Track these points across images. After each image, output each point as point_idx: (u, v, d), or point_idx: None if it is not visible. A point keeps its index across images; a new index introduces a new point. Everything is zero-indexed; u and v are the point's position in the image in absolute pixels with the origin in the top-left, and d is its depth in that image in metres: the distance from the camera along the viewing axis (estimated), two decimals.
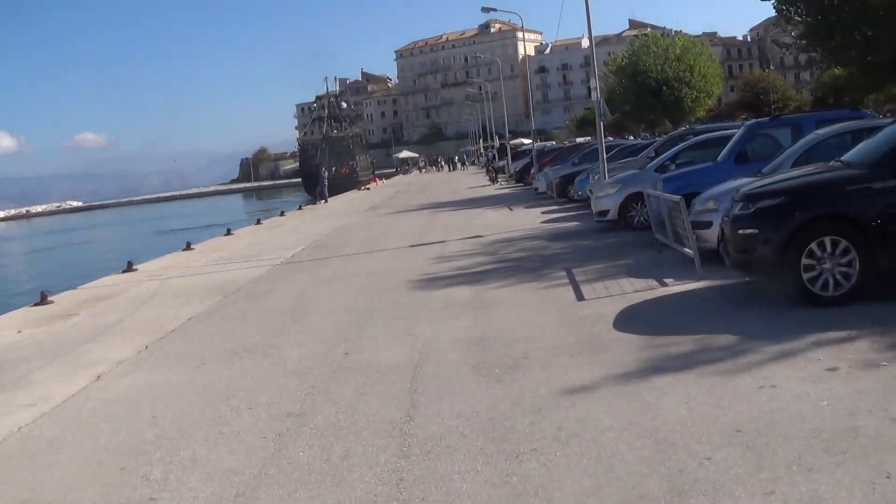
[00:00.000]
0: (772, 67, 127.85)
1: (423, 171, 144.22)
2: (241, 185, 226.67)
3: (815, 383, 8.64)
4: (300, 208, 60.77)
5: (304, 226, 41.64)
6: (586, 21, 28.90)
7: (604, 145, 29.24)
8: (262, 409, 9.67)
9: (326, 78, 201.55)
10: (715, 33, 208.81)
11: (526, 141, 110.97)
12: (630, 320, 12.51)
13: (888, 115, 37.12)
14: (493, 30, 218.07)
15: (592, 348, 10.96)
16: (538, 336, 11.91)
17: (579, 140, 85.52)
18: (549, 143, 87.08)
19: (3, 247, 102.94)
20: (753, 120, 24.93)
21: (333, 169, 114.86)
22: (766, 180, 13.98)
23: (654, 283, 15.22)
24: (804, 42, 40.57)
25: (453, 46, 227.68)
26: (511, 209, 38.06)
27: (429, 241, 27.17)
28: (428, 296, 16.51)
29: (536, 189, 44.94)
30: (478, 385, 9.69)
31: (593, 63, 31.23)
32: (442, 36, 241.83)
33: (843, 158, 13.35)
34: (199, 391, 10.86)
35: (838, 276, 11.90)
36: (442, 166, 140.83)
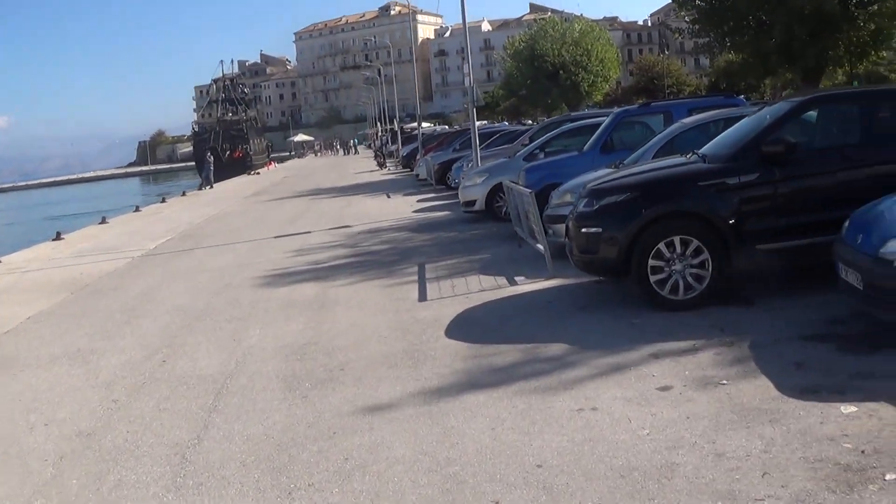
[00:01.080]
0: (666, 52, 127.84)
1: (319, 154, 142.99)
2: (139, 169, 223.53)
3: (641, 406, 7.80)
4: (184, 194, 59.10)
5: (180, 214, 40.48)
6: (460, 7, 27.79)
7: (477, 132, 28.15)
8: (56, 427, 8.98)
9: (222, 61, 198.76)
10: (616, 18, 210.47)
11: (425, 124, 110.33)
12: (465, 325, 11.75)
13: (781, 100, 36.65)
14: (393, 12, 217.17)
15: (415, 358, 10.25)
16: (364, 343, 11.31)
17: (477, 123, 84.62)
18: (439, 128, 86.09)
19: None
20: (622, 107, 24.07)
21: (227, 153, 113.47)
22: (613, 174, 13.09)
23: (503, 281, 14.44)
24: (697, 27, 40.12)
25: (353, 29, 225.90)
26: (389, 197, 37.30)
27: (295, 232, 26.43)
28: (270, 294, 15.74)
29: (417, 176, 43.91)
30: (281, 402, 9.00)
31: (467, 50, 30.42)
32: (342, 18, 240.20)
33: (700, 151, 12.40)
34: (4, 403, 10.17)
35: (689, 279, 11.19)
36: (337, 150, 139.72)
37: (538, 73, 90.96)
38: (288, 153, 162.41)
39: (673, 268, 10.99)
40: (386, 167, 67.78)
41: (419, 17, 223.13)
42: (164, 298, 16.52)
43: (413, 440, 7.64)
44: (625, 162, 15.59)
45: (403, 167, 61.65)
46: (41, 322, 15.21)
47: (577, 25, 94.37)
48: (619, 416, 7.61)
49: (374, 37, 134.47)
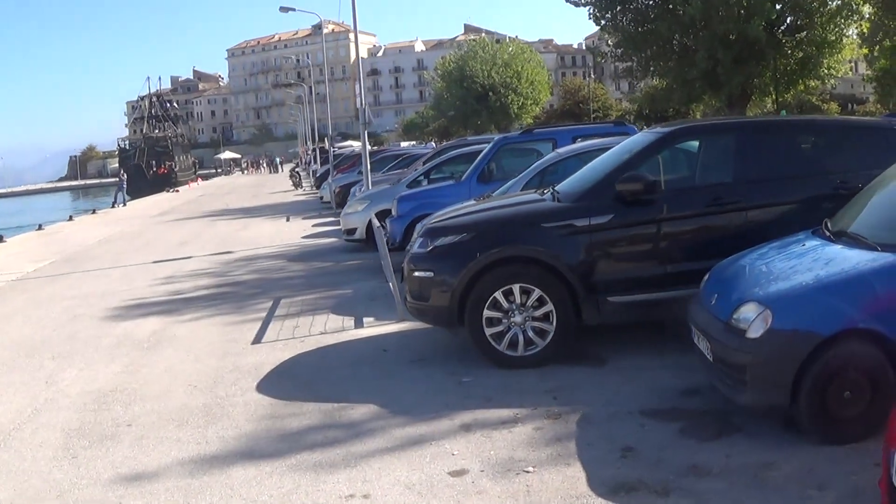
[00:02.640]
0: (592, 76, 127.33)
1: (246, 172, 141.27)
2: (69, 184, 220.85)
3: (420, 496, 6.73)
4: (94, 212, 57.65)
5: (77, 233, 39.16)
6: (353, 25, 26.73)
7: (367, 155, 27.12)
8: None
9: (149, 77, 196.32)
10: (551, 41, 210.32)
11: (355, 143, 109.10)
12: (283, 376, 10.71)
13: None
14: (326, 30, 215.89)
15: (210, 416, 9.30)
16: (170, 393, 10.34)
17: (403, 144, 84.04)
18: (355, 148, 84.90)
19: None
20: (502, 135, 22.97)
21: (152, 170, 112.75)
22: (450, 212, 11.89)
23: (350, 322, 13.45)
24: (620, 51, 39.38)
25: (286, 46, 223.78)
26: (288, 220, 36.05)
27: (176, 257, 25.42)
28: (111, 329, 14.81)
29: (321, 198, 42.66)
30: (49, 462, 8.27)
31: (359, 70, 29.58)
32: (275, 35, 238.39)
33: (558, 187, 11.21)
34: None
35: (531, 333, 9.94)
36: (263, 168, 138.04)
37: (467, 95, 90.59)
38: (215, 170, 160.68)
39: (512, 320, 9.82)
40: (302, 187, 66.59)
41: (352, 36, 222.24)
42: (6, 330, 15.63)
43: None
44: (492, 194, 14.42)
45: (317, 188, 60.39)
46: None
47: (507, 47, 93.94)
48: None
49: (307, 54, 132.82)
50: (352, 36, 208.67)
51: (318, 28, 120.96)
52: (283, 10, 53.93)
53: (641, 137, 11.14)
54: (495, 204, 11.83)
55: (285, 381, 10.42)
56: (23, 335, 14.98)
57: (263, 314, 14.82)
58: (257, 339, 12.92)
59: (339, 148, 73.52)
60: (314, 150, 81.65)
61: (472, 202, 13.25)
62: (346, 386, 9.93)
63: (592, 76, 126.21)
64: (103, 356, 12.77)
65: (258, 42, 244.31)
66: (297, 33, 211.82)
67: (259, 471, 7.52)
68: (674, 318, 9.17)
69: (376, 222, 15.15)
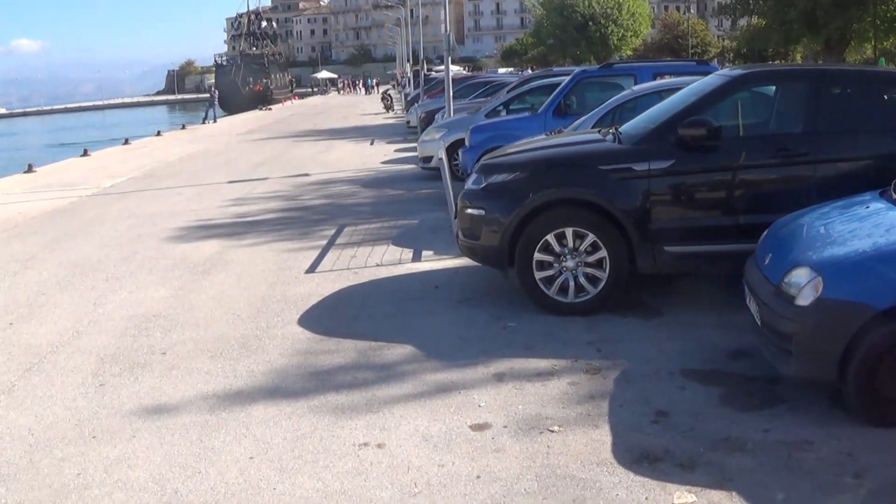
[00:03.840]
0: (692, 12, 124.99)
1: (342, 92, 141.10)
2: (165, 98, 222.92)
3: (436, 450, 6.40)
4: (183, 127, 57.80)
5: (162, 149, 39.44)
6: None
7: (450, 81, 26.52)
8: None
9: None
10: None
11: (455, 68, 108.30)
12: (328, 309, 10.49)
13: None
14: None
15: (245, 348, 9.11)
16: (212, 321, 10.20)
17: (501, 71, 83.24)
18: (453, 72, 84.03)
19: None
20: (581, 67, 22.39)
21: (248, 86, 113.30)
22: (508, 149, 11.43)
23: (409, 255, 13.15)
24: None
25: None
26: (372, 143, 35.89)
27: (252, 178, 25.32)
28: (170, 250, 14.75)
29: (408, 122, 42.22)
30: (75, 389, 8.16)
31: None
32: None
33: (622, 127, 10.68)
34: None
35: (583, 279, 9.43)
36: (360, 89, 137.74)
37: (567, 23, 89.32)
38: (311, 89, 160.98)
39: (564, 264, 9.35)
40: (393, 110, 66.10)
41: None
42: (70, 247, 15.61)
43: (160, 461, 6.48)
44: (564, 130, 13.96)
45: (406, 112, 60.01)
46: None
47: None
48: (400, 461, 6.23)
49: None
50: None
51: None
52: None
53: (710, 80, 10.52)
54: (555, 142, 11.38)
55: (329, 315, 10.18)
56: (82, 254, 14.91)
57: (324, 242, 14.60)
58: (311, 269, 12.69)
59: (435, 72, 72.86)
60: (412, 72, 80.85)
61: (542, 137, 12.84)
62: (388, 323, 9.65)
63: (691, 11, 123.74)
64: (156, 279, 12.66)
65: None
66: None
67: (279, 410, 7.29)
68: (733, 272, 8.65)
69: (440, 154, 14.72)
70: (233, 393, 7.83)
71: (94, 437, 7.02)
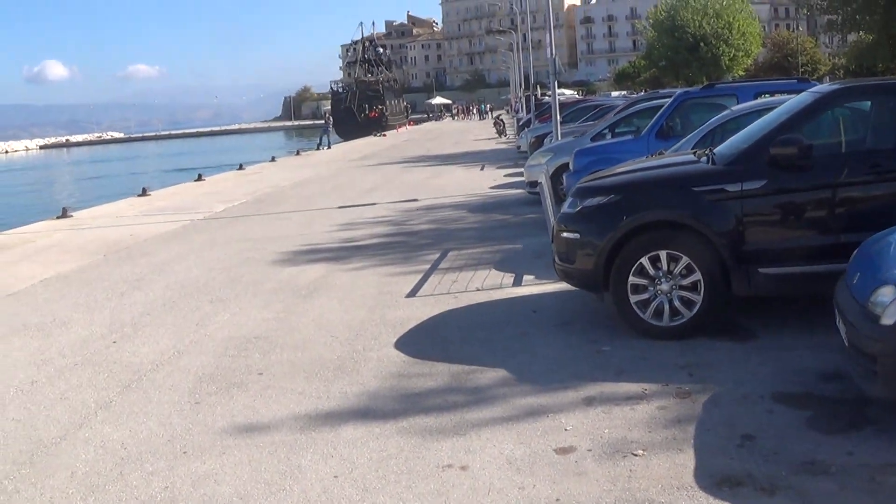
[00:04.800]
0: (800, 29, 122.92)
1: (456, 118, 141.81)
2: (282, 124, 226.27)
3: (519, 473, 6.39)
4: (297, 153, 58.75)
5: (274, 175, 40.19)
6: None
7: (557, 105, 26.58)
8: None
9: (362, 23, 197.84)
10: None
11: (568, 92, 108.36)
12: (425, 332, 10.55)
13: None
14: None
15: (340, 370, 9.25)
16: (310, 343, 10.39)
17: (614, 94, 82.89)
18: (566, 95, 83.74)
19: (5, 176, 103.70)
20: (683, 89, 22.21)
21: (363, 113, 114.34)
22: (605, 172, 11.42)
23: (509, 280, 13.13)
24: (825, 3, 37.90)
25: None
26: (482, 169, 36.01)
27: (361, 203, 25.67)
28: (276, 273, 15.07)
29: (518, 147, 42.27)
30: (171, 406, 8.45)
31: (548, 18, 28.77)
32: None
33: (716, 148, 10.60)
34: None
35: (677, 302, 9.35)
36: (473, 114, 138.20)
37: (679, 45, 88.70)
38: (427, 115, 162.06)
39: (658, 287, 9.21)
40: (505, 135, 66.22)
41: None
42: (178, 270, 16.10)
43: (247, 478, 6.62)
44: (664, 152, 13.91)
45: (518, 136, 60.06)
46: (49, 286, 15.31)
47: None
48: (482, 483, 6.26)
49: (520, 1, 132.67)
50: None
51: None
52: None
53: (802, 98, 10.37)
54: (650, 164, 11.31)
55: (425, 339, 10.25)
56: (190, 276, 15.31)
57: (427, 266, 14.68)
58: (412, 293, 12.78)
59: (547, 96, 72.64)
60: (524, 97, 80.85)
61: (642, 159, 12.82)
62: (483, 348, 9.67)
63: (800, 29, 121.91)
64: (259, 302, 12.90)
65: None
66: None
67: (367, 431, 7.37)
68: (828, 293, 8.53)
69: (541, 178, 14.75)
70: (324, 413, 7.93)
71: (184, 453, 7.20)
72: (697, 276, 9.25)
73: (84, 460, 7.19)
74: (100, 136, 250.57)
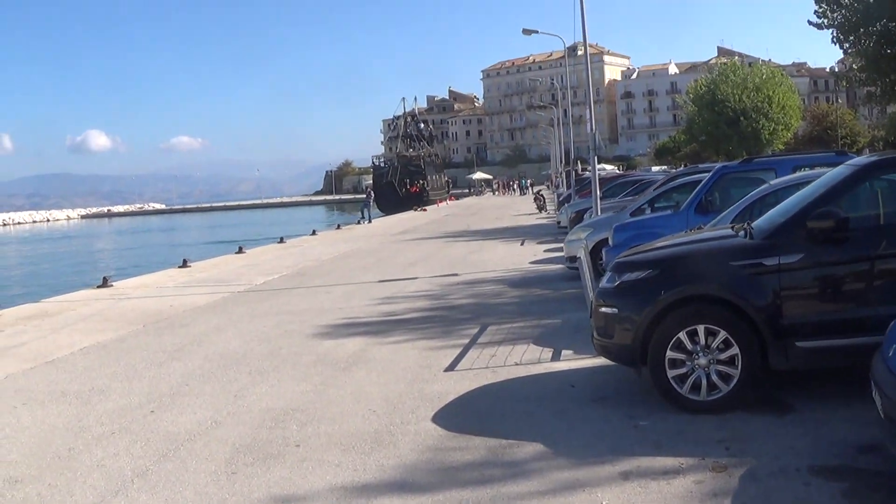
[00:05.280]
0: (839, 102, 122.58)
1: (497, 193, 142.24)
2: (323, 198, 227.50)
3: None
4: (338, 227, 58.91)
5: (316, 248, 40.53)
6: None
7: (597, 181, 26.79)
8: None
9: (404, 98, 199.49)
10: (804, 64, 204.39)
11: (608, 167, 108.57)
12: (462, 407, 10.55)
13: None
14: (580, 52, 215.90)
15: (377, 443, 9.27)
16: (347, 417, 10.41)
17: (654, 169, 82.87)
18: (607, 171, 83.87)
19: (47, 245, 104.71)
20: (722, 163, 22.19)
21: (405, 188, 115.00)
22: (644, 247, 11.44)
23: (548, 355, 13.13)
24: (864, 75, 37.88)
25: (540, 68, 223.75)
26: (522, 244, 36.09)
27: (401, 277, 25.83)
28: (314, 346, 15.12)
29: (558, 223, 42.32)
30: (207, 477, 8.51)
31: (588, 95, 28.97)
32: (529, 57, 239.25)
33: (754, 222, 10.63)
34: None
35: (715, 377, 9.27)
36: (514, 189, 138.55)
37: (719, 119, 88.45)
38: (468, 190, 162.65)
39: (696, 362, 9.23)
40: (546, 210, 66.35)
41: (606, 59, 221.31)
42: (216, 341, 16.23)
43: None
44: (703, 226, 13.92)
45: (558, 211, 60.14)
46: (88, 355, 15.50)
47: (759, 71, 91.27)
48: None
49: (561, 76, 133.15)
50: (606, 58, 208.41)
51: (571, 50, 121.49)
52: (526, 32, 53.81)
53: (839, 171, 10.37)
54: (688, 239, 11.31)
55: (463, 413, 10.26)
56: (228, 348, 15.43)
57: (467, 340, 14.69)
58: (451, 367, 12.79)
59: (587, 170, 72.77)
60: (564, 172, 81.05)
61: (681, 234, 12.84)
62: (520, 422, 9.66)
63: (839, 101, 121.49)
64: (298, 374, 12.98)
65: (513, 63, 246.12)
66: (551, 54, 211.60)
67: None
68: (866, 366, 8.51)
69: (580, 253, 14.78)
70: (360, 485, 7.94)
71: None
72: (735, 350, 9.24)
73: None
74: (141, 207, 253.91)
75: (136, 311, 20.89)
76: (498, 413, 10.14)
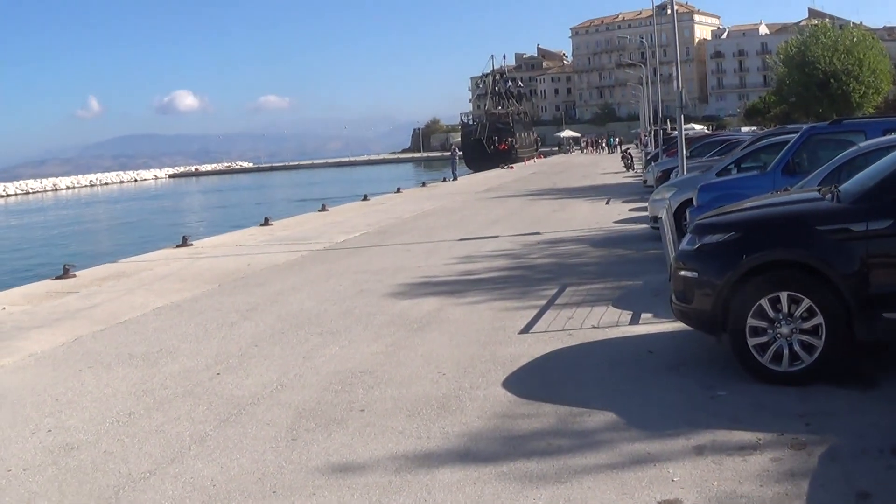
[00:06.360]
0: None
1: (585, 151, 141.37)
2: (411, 155, 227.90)
3: None
4: (423, 185, 59.15)
5: (399, 206, 40.47)
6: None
7: (683, 139, 26.16)
8: (45, 435, 8.99)
9: (493, 56, 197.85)
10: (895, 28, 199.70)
11: (698, 127, 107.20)
12: (535, 371, 10.21)
13: None
14: (669, 11, 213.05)
15: (444, 408, 8.98)
16: (416, 380, 10.13)
17: (744, 129, 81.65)
18: (696, 130, 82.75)
19: (133, 204, 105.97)
20: (810, 124, 21.50)
21: (493, 145, 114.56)
22: (728, 208, 10.99)
23: (627, 318, 12.72)
24: None
25: (629, 26, 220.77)
26: (608, 202, 35.60)
27: (483, 236, 25.56)
28: (390, 306, 14.88)
29: (644, 181, 41.74)
30: (266, 443, 8.28)
31: (676, 54, 28.29)
32: (618, 15, 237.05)
33: (842, 186, 10.14)
34: (29, 402, 10.27)
35: (797, 347, 8.79)
36: (603, 148, 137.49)
37: (809, 81, 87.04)
38: (557, 147, 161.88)
39: (778, 331, 8.78)
40: (633, 169, 65.57)
41: (696, 18, 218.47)
42: (291, 301, 16.06)
43: None
44: (790, 188, 13.44)
45: (645, 170, 59.41)
46: (161, 315, 15.41)
47: (850, 33, 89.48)
48: None
49: (651, 35, 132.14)
50: (696, 17, 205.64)
51: (660, 8, 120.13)
52: None
53: None
54: (773, 201, 10.83)
55: (535, 378, 9.92)
56: (302, 308, 15.24)
57: (542, 302, 14.35)
58: (526, 329, 12.46)
59: (675, 130, 71.60)
60: (653, 131, 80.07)
61: (767, 196, 12.37)
62: (593, 389, 9.31)
63: None
64: (370, 335, 12.74)
65: (602, 21, 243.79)
66: (640, 13, 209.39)
67: (465, 475, 7.08)
68: None
69: (662, 213, 14.36)
70: (422, 454, 7.68)
71: (273, 492, 7.02)
72: (819, 319, 8.77)
73: (170, 497, 7.05)
74: (229, 166, 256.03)
75: (212, 271, 20.90)
76: (571, 378, 9.81)
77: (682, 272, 9.84)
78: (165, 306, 16.19)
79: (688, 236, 10.25)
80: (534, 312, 13.52)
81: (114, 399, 10.07)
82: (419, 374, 10.40)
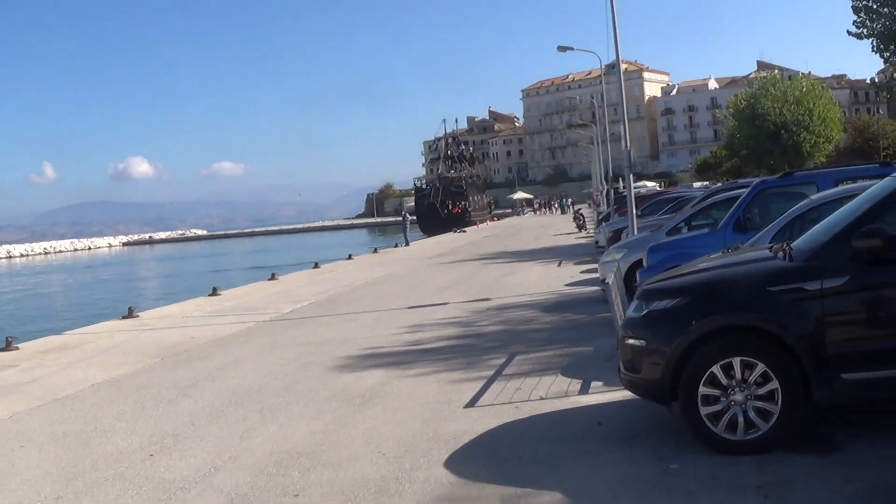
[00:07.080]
0: (879, 113, 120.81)
1: (538, 212, 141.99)
2: (365, 221, 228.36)
3: None
4: (375, 251, 58.70)
5: (349, 274, 40.12)
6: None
7: (633, 198, 26.04)
8: None
9: (444, 120, 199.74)
10: (844, 76, 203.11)
11: (650, 183, 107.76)
12: (477, 449, 9.79)
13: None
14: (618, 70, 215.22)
15: (381, 492, 8.54)
16: (355, 461, 9.68)
17: (696, 185, 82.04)
18: (648, 188, 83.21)
19: (85, 274, 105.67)
20: (761, 178, 21.29)
21: (446, 209, 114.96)
22: (676, 271, 10.62)
23: (576, 387, 12.34)
24: None
25: (579, 86, 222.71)
26: (560, 265, 35.35)
27: (432, 303, 25.16)
28: (333, 381, 14.45)
29: (596, 242, 41.57)
30: None
31: (623, 112, 28.23)
32: (568, 76, 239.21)
33: (794, 242, 9.76)
34: None
35: (752, 414, 8.50)
36: (555, 209, 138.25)
37: (759, 133, 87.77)
38: (511, 209, 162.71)
39: (732, 398, 8.42)
40: (585, 229, 65.61)
41: (646, 75, 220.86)
42: (233, 375, 15.67)
43: None
44: (741, 246, 13.11)
45: (597, 230, 59.50)
46: (99, 392, 15.07)
47: (799, 83, 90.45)
48: None
49: (601, 94, 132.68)
50: (646, 74, 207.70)
51: (610, 67, 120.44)
52: (561, 49, 53.55)
53: (886, 184, 9.45)
54: (722, 262, 10.43)
55: (479, 456, 9.48)
56: (244, 382, 14.87)
57: (492, 371, 13.96)
58: (472, 402, 12.05)
59: (636, 188, 71.85)
60: (606, 190, 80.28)
61: (716, 255, 12.01)
62: (540, 467, 8.85)
63: (880, 112, 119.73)
64: (310, 412, 12.34)
65: (552, 82, 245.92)
66: (590, 73, 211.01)
67: None
68: None
69: (609, 277, 14.01)
70: None
71: None
72: (775, 384, 8.39)
73: None
74: (183, 234, 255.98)
75: (156, 344, 20.46)
76: (517, 456, 9.34)
77: (630, 340, 9.43)
78: (105, 382, 15.88)
79: (634, 302, 9.85)
80: (480, 384, 13.10)
81: (43, 481, 9.71)
82: (358, 454, 9.95)
